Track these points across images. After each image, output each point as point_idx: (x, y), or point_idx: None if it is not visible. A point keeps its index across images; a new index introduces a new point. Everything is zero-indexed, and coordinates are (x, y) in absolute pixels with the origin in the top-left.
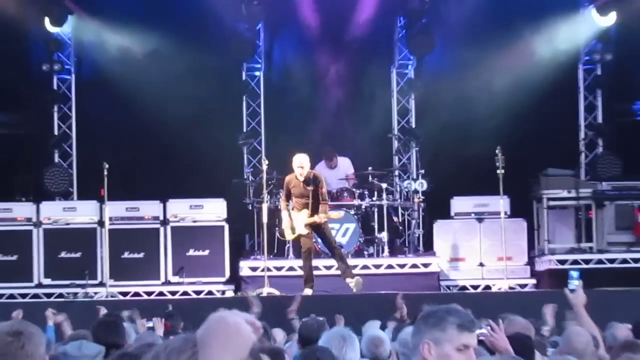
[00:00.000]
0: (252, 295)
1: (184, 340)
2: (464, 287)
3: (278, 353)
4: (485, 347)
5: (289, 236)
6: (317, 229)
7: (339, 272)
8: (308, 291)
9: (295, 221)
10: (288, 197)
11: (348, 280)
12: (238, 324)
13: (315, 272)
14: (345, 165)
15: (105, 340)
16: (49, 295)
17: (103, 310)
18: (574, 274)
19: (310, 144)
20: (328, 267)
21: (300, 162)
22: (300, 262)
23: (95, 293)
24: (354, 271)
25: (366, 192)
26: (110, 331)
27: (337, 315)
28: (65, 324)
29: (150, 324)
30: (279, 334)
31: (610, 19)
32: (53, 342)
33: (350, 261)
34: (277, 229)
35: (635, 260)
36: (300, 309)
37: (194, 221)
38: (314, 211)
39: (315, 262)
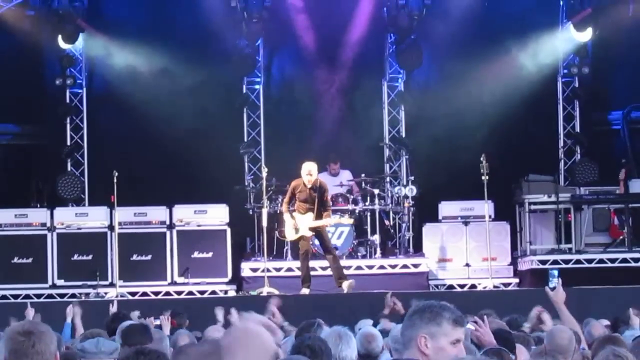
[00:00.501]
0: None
1: (212, 346)
2: (451, 286)
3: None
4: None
5: (291, 236)
6: (317, 232)
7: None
8: (305, 291)
9: (299, 222)
10: (291, 200)
11: (341, 282)
12: (261, 334)
13: (312, 273)
14: (345, 175)
15: (133, 343)
16: (62, 296)
17: (114, 306)
18: (554, 272)
19: (307, 152)
20: (324, 268)
21: (310, 170)
22: (298, 263)
23: (106, 293)
24: (349, 271)
25: (359, 197)
26: (139, 335)
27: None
28: (78, 321)
29: (158, 322)
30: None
31: (586, 35)
32: (69, 338)
33: (344, 262)
34: (276, 232)
35: (612, 261)
36: (295, 312)
37: (198, 225)
38: (318, 216)
39: (311, 263)
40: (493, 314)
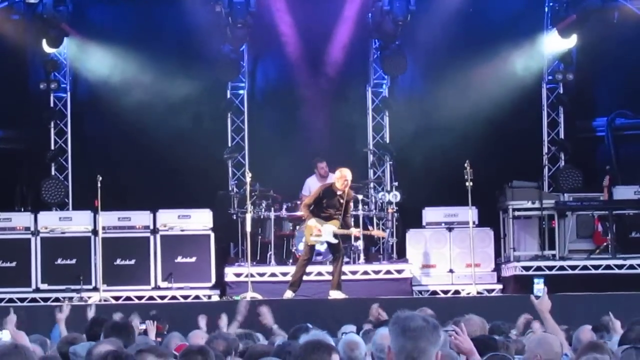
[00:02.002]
0: (246, 305)
1: None
2: (434, 292)
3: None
4: (451, 348)
5: (312, 240)
6: (337, 241)
7: (319, 278)
8: (289, 294)
9: (324, 229)
10: (315, 204)
11: (336, 289)
12: None
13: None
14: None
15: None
16: (45, 300)
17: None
18: (539, 281)
19: (291, 158)
20: (307, 274)
21: (347, 176)
22: (282, 269)
23: (89, 297)
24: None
25: (352, 212)
26: (120, 334)
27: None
28: (62, 324)
29: (144, 327)
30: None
31: (571, 41)
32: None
33: (328, 268)
34: (259, 237)
35: (595, 267)
36: (277, 316)
37: (182, 230)
38: (342, 223)
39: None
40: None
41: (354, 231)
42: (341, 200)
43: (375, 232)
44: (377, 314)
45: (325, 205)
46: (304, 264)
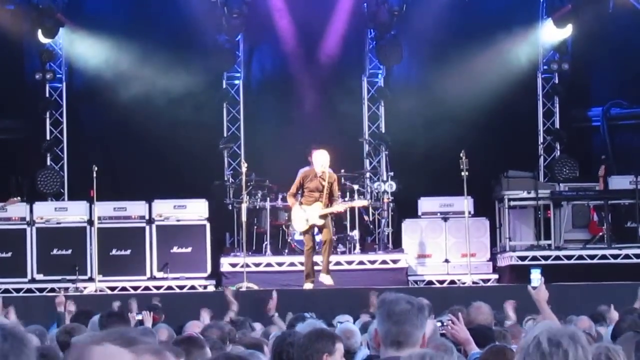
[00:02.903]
0: (231, 293)
1: None
2: (430, 282)
3: (257, 344)
4: (447, 338)
5: (302, 227)
6: (324, 222)
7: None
8: (309, 285)
9: (309, 213)
10: (298, 190)
11: (325, 276)
12: None
13: (291, 269)
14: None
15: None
16: (41, 290)
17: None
18: (536, 271)
19: (287, 148)
20: (302, 263)
21: (325, 158)
22: (277, 259)
23: (85, 287)
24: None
25: (339, 193)
26: (117, 322)
27: None
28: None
29: (140, 317)
30: (256, 326)
31: (566, 31)
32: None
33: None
34: (255, 227)
35: (591, 257)
36: (277, 305)
37: (178, 220)
38: (326, 205)
39: (294, 258)
40: (463, 309)
41: (337, 207)
42: (323, 183)
43: (357, 203)
44: (374, 302)
45: (308, 189)
46: (308, 254)
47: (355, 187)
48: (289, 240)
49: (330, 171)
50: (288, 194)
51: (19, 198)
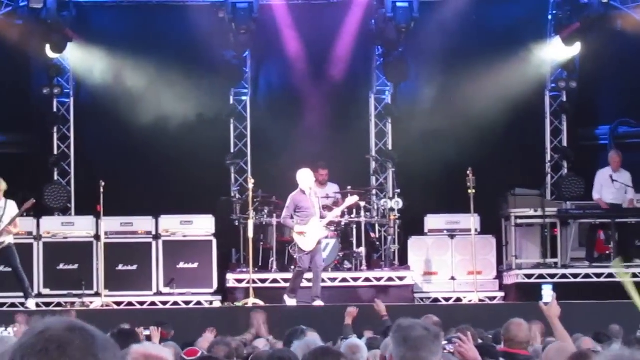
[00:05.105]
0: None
1: None
2: (436, 299)
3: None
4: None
5: (311, 246)
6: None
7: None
8: (292, 302)
9: (313, 229)
10: (291, 213)
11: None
12: None
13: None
14: (332, 188)
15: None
16: (47, 305)
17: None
18: (548, 287)
19: (293, 164)
20: (309, 280)
21: (309, 176)
22: (283, 275)
23: (91, 302)
24: (335, 283)
25: (345, 210)
26: (128, 340)
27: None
28: None
29: (148, 333)
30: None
31: (574, 49)
32: None
33: (330, 274)
34: (261, 243)
35: (597, 275)
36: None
37: (184, 236)
38: (321, 217)
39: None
40: (470, 328)
41: (335, 213)
42: (312, 199)
43: (349, 201)
44: (380, 306)
45: (302, 209)
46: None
47: (362, 203)
48: (295, 256)
49: (313, 186)
50: (283, 220)
51: (33, 200)
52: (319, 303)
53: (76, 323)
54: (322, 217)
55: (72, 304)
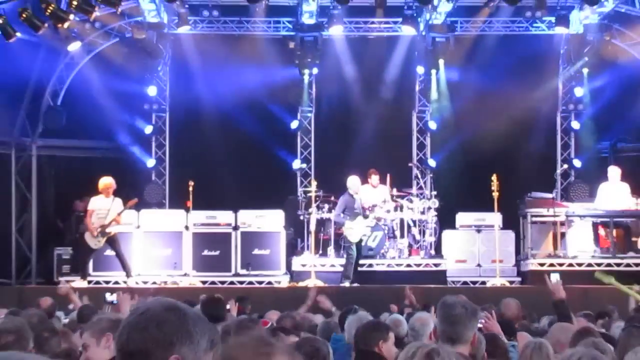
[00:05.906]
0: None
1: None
2: (465, 283)
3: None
4: (482, 331)
5: (356, 238)
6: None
7: (370, 269)
8: (347, 284)
9: (358, 225)
10: (343, 212)
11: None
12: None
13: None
14: (385, 190)
15: (210, 313)
16: (144, 283)
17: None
18: (555, 275)
19: (348, 169)
20: (361, 265)
21: (358, 182)
22: (339, 260)
23: (181, 281)
24: (381, 268)
25: (392, 208)
26: (215, 306)
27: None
28: (74, 297)
29: (228, 306)
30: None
31: (581, 78)
32: None
33: (378, 261)
34: (322, 234)
35: (599, 264)
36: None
37: (258, 227)
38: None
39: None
40: (493, 307)
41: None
42: (358, 200)
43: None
44: (409, 294)
45: (350, 209)
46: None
47: (405, 203)
48: (344, 246)
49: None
50: (335, 217)
51: (136, 199)
52: (346, 284)
53: (173, 303)
54: (364, 216)
55: (165, 282)
